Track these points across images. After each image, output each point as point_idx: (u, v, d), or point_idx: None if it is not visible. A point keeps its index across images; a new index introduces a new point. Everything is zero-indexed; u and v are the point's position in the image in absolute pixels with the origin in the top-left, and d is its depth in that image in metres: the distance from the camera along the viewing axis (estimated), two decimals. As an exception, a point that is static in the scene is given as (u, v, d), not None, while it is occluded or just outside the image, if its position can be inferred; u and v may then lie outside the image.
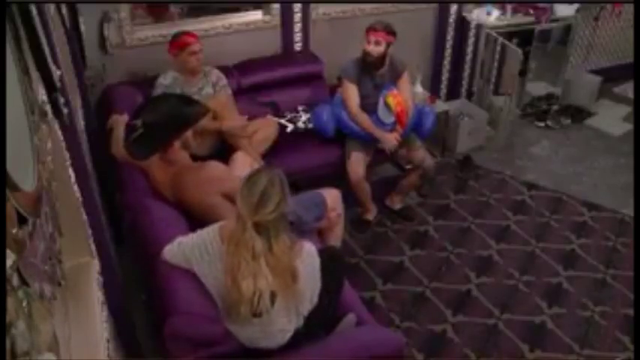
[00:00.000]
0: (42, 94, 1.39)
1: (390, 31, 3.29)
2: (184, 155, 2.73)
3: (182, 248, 2.12)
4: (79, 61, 2.69)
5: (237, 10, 3.85)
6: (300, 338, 2.15)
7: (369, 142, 3.46)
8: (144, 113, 2.56)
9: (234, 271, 1.94)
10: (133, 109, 2.70)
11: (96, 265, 1.82)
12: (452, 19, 4.39)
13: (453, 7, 4.35)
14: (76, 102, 2.36)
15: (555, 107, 4.89)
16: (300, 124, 3.72)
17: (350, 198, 3.36)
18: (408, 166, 3.70)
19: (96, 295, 1.71)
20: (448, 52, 4.54)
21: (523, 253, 3.44)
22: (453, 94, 4.72)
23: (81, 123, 2.35)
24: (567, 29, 4.74)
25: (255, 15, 3.85)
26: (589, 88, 4.99)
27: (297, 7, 3.84)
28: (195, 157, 2.84)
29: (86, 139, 2.43)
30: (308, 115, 3.74)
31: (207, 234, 2.09)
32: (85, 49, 2.97)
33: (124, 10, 3.39)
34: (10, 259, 0.79)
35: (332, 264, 2.23)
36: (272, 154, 3.41)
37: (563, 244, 3.53)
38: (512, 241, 3.53)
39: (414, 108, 3.52)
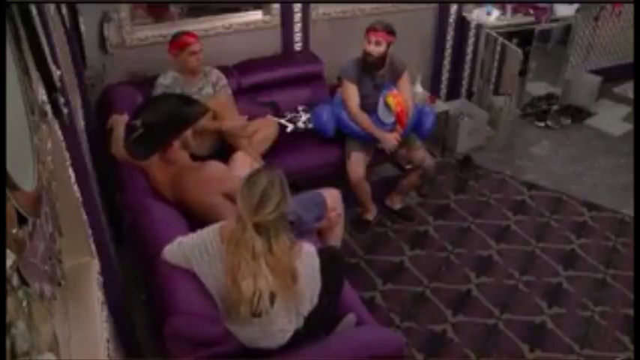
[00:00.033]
0: (42, 94, 1.39)
1: (390, 31, 3.29)
2: (184, 155, 2.73)
3: (182, 248, 2.12)
4: (79, 61, 2.69)
5: (237, 10, 3.85)
6: (300, 338, 2.15)
7: (369, 142, 3.46)
8: (143, 113, 2.56)
9: (234, 271, 1.94)
10: (133, 109, 2.70)
11: (96, 265, 1.82)
12: (452, 19, 4.39)
13: (453, 7, 4.35)
14: (76, 102, 2.36)
15: (555, 107, 4.89)
16: (300, 124, 3.72)
17: (350, 198, 3.36)
18: (408, 166, 3.70)
19: (96, 295, 1.71)
20: (448, 52, 4.54)
21: (523, 253, 3.44)
22: (453, 94, 4.72)
23: (81, 123, 2.35)
24: (567, 29, 4.74)
25: (255, 15, 3.85)
26: (589, 88, 4.99)
27: (297, 7, 3.84)
28: (195, 157, 2.84)
29: (86, 139, 2.43)
30: (308, 115, 3.74)
31: (207, 234, 2.09)
32: (85, 49, 2.97)
33: (124, 10, 3.39)
34: (10, 259, 0.79)
35: (332, 264, 2.23)
36: (272, 154, 3.41)
37: (563, 244, 3.53)
38: (512, 241, 3.53)
39: (414, 108, 3.52)
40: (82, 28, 2.86)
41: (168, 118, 2.57)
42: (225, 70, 3.51)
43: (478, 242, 3.52)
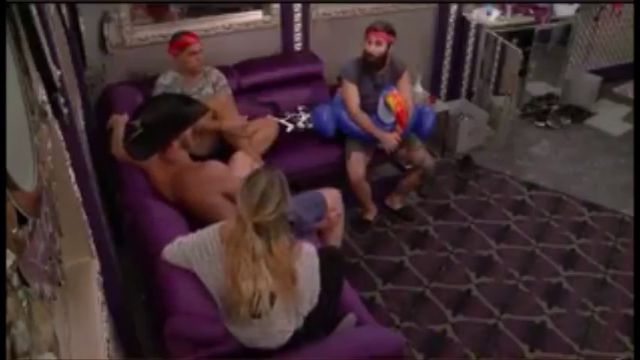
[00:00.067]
0: (42, 94, 1.39)
1: (391, 31, 3.29)
2: (184, 155, 2.73)
3: (182, 248, 2.12)
4: (79, 61, 2.69)
5: (237, 10, 3.85)
6: (300, 338, 2.15)
7: (369, 142, 3.46)
8: (143, 113, 2.56)
9: (234, 272, 1.94)
10: (132, 109, 2.70)
11: (96, 265, 1.82)
12: (452, 19, 4.39)
13: (453, 7, 4.35)
14: (76, 102, 2.36)
15: (555, 107, 4.89)
16: (300, 124, 3.72)
17: (350, 198, 3.36)
18: (408, 166, 3.70)
19: (96, 295, 1.71)
20: (448, 52, 4.54)
21: (523, 253, 3.44)
22: (453, 94, 4.72)
23: (81, 123, 2.35)
24: (567, 29, 4.74)
25: (255, 15, 3.85)
26: (589, 88, 4.99)
27: (297, 7, 3.84)
28: (194, 157, 2.84)
29: (86, 139, 2.43)
30: (308, 115, 3.74)
31: (208, 234, 2.09)
32: (85, 49, 2.97)
33: (124, 10, 3.39)
34: (10, 259, 0.79)
35: (332, 264, 2.23)
36: (272, 154, 3.41)
37: (563, 244, 3.53)
38: (512, 241, 3.53)
39: (414, 108, 3.52)
40: (82, 28, 2.86)
41: (167, 118, 2.57)
42: (225, 70, 3.51)
43: (478, 242, 3.52)
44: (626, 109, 5.03)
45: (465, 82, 4.72)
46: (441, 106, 4.26)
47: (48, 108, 1.41)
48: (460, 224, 3.67)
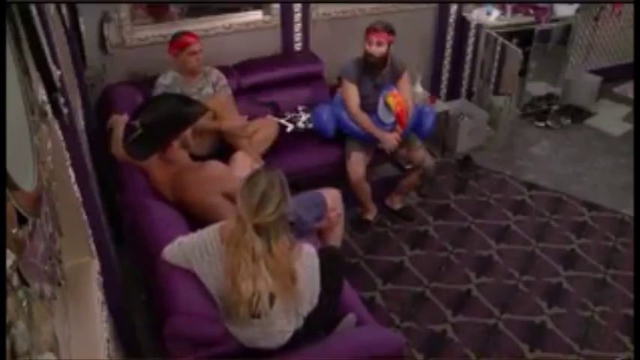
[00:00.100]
0: (42, 94, 1.39)
1: (391, 31, 3.29)
2: (184, 155, 2.73)
3: (182, 248, 2.12)
4: (79, 61, 2.69)
5: (237, 10, 3.85)
6: (300, 338, 2.15)
7: (369, 142, 3.46)
8: (143, 114, 2.56)
9: (234, 272, 1.94)
10: (132, 109, 2.70)
11: (96, 265, 1.82)
12: (452, 19, 4.39)
13: (453, 7, 4.35)
14: (76, 102, 2.36)
15: (555, 107, 4.89)
16: (300, 124, 3.72)
17: (350, 198, 3.36)
18: (408, 166, 3.70)
19: (96, 295, 1.71)
20: (448, 52, 4.54)
21: (523, 253, 3.44)
22: (453, 94, 4.72)
23: (81, 123, 2.35)
24: (567, 29, 4.74)
25: (255, 15, 3.85)
26: (589, 88, 4.99)
27: (297, 7, 3.84)
28: (194, 157, 2.84)
29: (86, 139, 2.43)
30: (308, 115, 3.74)
31: (208, 234, 2.09)
32: (85, 49, 2.97)
33: (124, 10, 3.39)
34: (10, 259, 0.79)
35: (332, 264, 2.23)
36: (272, 154, 3.41)
37: (563, 244, 3.53)
38: (512, 241, 3.53)
39: (414, 108, 3.52)
40: (82, 28, 2.86)
41: (167, 118, 2.57)
42: (225, 70, 3.51)
43: (478, 242, 3.52)
44: (626, 109, 5.03)
45: (465, 82, 4.72)
46: (441, 106, 4.26)
47: (48, 108, 1.41)
48: (460, 224, 3.66)
